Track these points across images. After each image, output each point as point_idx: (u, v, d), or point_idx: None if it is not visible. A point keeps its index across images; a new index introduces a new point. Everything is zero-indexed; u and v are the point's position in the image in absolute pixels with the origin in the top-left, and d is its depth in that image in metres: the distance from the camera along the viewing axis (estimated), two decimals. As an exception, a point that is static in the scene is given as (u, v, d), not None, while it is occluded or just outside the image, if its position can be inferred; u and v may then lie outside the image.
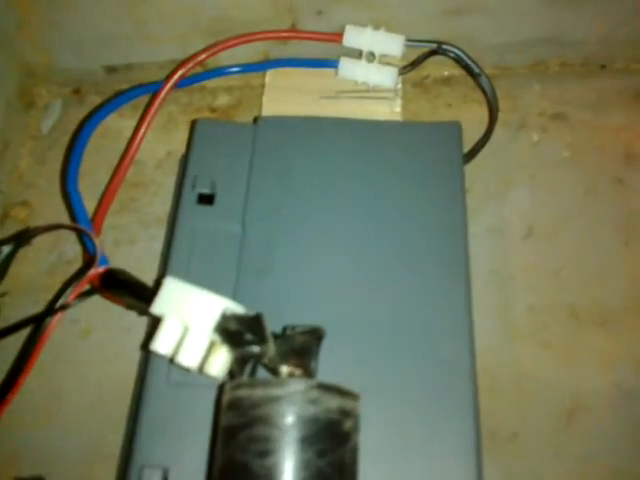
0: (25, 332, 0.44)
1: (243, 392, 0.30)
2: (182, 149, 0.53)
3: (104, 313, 0.48)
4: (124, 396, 0.45)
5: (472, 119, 0.51)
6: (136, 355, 0.46)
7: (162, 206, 0.52)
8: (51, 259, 0.52)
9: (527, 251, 0.49)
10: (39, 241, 0.51)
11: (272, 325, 0.34)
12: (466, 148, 0.48)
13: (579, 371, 0.45)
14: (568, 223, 0.50)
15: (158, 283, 0.36)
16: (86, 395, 0.47)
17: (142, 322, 0.47)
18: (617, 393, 0.44)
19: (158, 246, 0.50)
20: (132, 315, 0.47)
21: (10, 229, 0.52)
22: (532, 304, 0.48)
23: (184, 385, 0.38)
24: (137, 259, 0.50)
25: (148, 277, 0.40)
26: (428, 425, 0.37)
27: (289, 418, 0.29)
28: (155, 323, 0.36)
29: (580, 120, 0.54)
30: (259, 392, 0.30)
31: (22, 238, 0.42)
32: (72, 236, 0.52)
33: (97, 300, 0.43)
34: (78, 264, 0.51)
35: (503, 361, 0.45)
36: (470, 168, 0.48)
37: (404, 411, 0.38)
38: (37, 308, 0.48)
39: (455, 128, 0.46)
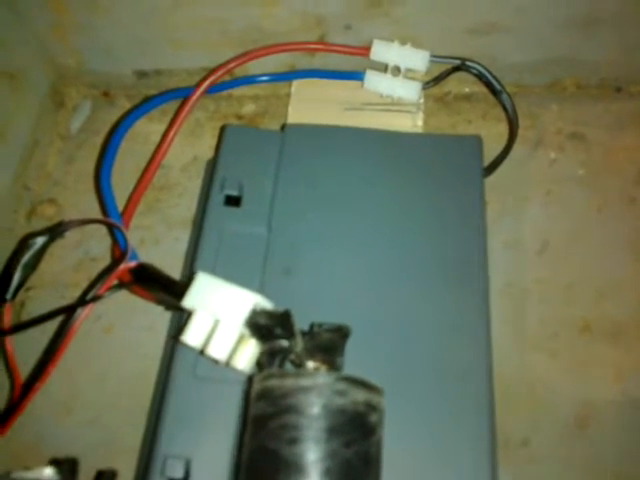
0: (50, 325, 0.45)
1: (274, 382, 0.31)
2: (208, 154, 0.55)
3: (127, 310, 0.50)
4: (144, 392, 0.46)
5: (491, 135, 0.53)
6: (157, 352, 0.47)
7: (187, 208, 0.54)
8: (77, 256, 0.53)
9: (541, 265, 0.51)
10: (66, 238, 0.52)
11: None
12: (484, 164, 0.49)
13: (589, 381, 0.46)
14: (582, 239, 0.51)
15: (189, 279, 0.37)
16: (106, 390, 0.48)
17: (164, 320, 0.48)
18: (626, 403, 0.45)
19: (182, 247, 0.51)
20: (154, 313, 0.48)
21: (37, 226, 0.53)
22: (545, 316, 0.49)
23: (209, 379, 0.39)
24: (161, 259, 0.50)
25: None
26: (445, 429, 0.38)
27: (317, 408, 0.30)
28: (182, 319, 0.37)
29: (595, 140, 0.55)
30: (289, 382, 0.31)
31: (56, 231, 0.43)
32: (98, 234, 0.53)
33: (120, 297, 0.44)
34: (104, 262, 0.52)
35: (516, 370, 0.47)
36: (488, 183, 0.49)
37: (421, 414, 0.39)
38: (61, 303, 0.49)
39: (476, 141, 0.48)
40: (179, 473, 0.37)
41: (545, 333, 0.48)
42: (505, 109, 0.51)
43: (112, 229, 0.46)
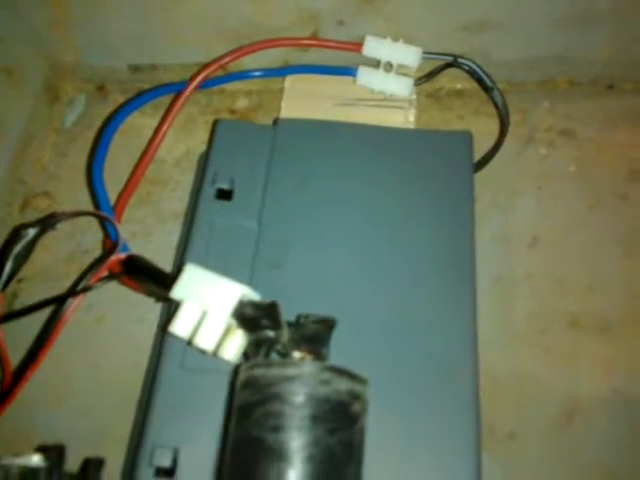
0: (42, 314, 0.45)
1: (259, 371, 0.31)
2: (200, 148, 0.55)
3: (118, 301, 0.50)
4: (134, 382, 0.46)
5: (482, 131, 0.52)
6: (147, 343, 0.47)
7: (179, 202, 0.54)
8: (69, 248, 0.54)
9: (531, 260, 0.51)
10: (57, 230, 0.52)
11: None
12: (475, 159, 0.50)
13: (577, 376, 0.46)
14: (572, 234, 0.52)
15: (179, 270, 0.37)
16: (97, 380, 0.49)
17: (155, 311, 0.48)
18: (614, 398, 0.45)
19: (174, 240, 0.52)
20: (145, 304, 0.49)
21: (31, 218, 0.53)
22: (534, 311, 0.49)
23: (197, 370, 0.39)
24: (153, 252, 0.50)
25: (163, 269, 0.42)
26: (429, 422, 0.38)
27: (302, 397, 0.30)
28: (171, 310, 0.37)
29: (587, 137, 0.56)
30: (274, 371, 0.31)
31: (47, 223, 0.43)
32: (90, 226, 0.54)
33: (112, 288, 0.45)
34: (95, 253, 0.53)
35: (504, 364, 0.47)
36: (479, 178, 0.49)
37: (406, 407, 0.39)
38: (52, 294, 0.49)
39: (466, 137, 0.48)
40: (167, 462, 0.37)
41: (534, 327, 0.48)
42: (496, 105, 0.51)
43: (103, 222, 0.46)
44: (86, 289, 0.40)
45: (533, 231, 0.52)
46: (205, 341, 0.35)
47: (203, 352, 0.36)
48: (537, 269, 0.50)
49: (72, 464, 0.39)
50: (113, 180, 0.50)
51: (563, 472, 0.44)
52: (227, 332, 0.35)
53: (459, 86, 0.59)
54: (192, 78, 0.50)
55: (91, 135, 0.59)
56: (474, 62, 0.51)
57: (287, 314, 0.36)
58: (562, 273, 0.50)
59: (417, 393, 0.39)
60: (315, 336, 0.36)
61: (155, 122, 0.53)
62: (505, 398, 0.46)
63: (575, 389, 0.46)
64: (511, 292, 0.49)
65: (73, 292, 0.40)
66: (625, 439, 0.45)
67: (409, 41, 0.52)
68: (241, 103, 0.59)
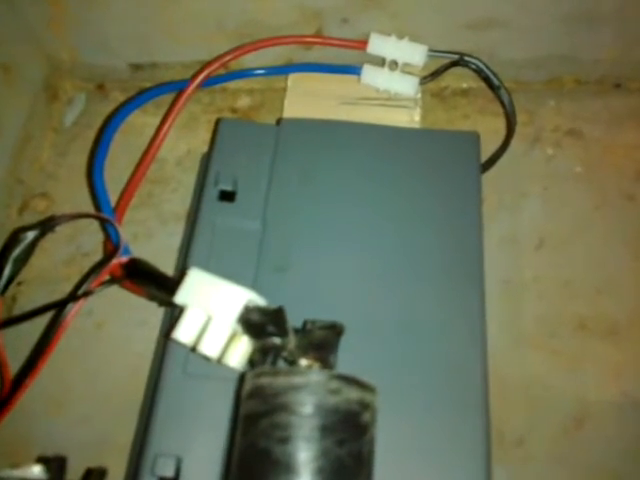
0: (41, 319, 0.44)
1: (265, 380, 0.31)
2: (202, 148, 0.54)
3: (118, 306, 0.49)
4: (135, 389, 0.45)
5: (488, 131, 0.51)
6: (149, 349, 0.46)
7: (181, 203, 0.53)
8: (68, 250, 0.53)
9: (538, 262, 0.50)
10: (57, 232, 0.52)
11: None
12: (481, 160, 0.49)
13: (586, 380, 0.46)
14: (579, 236, 0.51)
15: (182, 274, 0.36)
16: (97, 387, 0.48)
17: (156, 316, 0.47)
18: (624, 402, 0.45)
19: (175, 242, 0.51)
20: (146, 309, 0.48)
21: (29, 219, 0.53)
22: (542, 313, 0.48)
23: (200, 376, 0.39)
24: (154, 254, 0.49)
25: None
26: (439, 427, 0.38)
27: (310, 407, 0.29)
28: (174, 314, 0.37)
29: (593, 137, 0.55)
30: (281, 380, 0.30)
31: (47, 225, 0.42)
32: (90, 228, 0.53)
33: (112, 293, 0.43)
34: (96, 256, 0.52)
35: (512, 368, 0.46)
36: (485, 178, 0.48)
37: (415, 412, 0.38)
38: (52, 298, 0.47)
39: (474, 137, 0.47)
40: (170, 472, 0.36)
41: (542, 331, 0.48)
42: (503, 104, 0.50)
43: (104, 224, 0.45)
44: (87, 293, 0.39)
45: (540, 233, 0.51)
46: (210, 348, 0.34)
47: (207, 359, 0.35)
48: (544, 271, 0.50)
49: (72, 473, 0.38)
50: (113, 180, 0.49)
51: (571, 477, 0.44)
52: (232, 338, 0.34)
53: (465, 85, 0.58)
54: (194, 76, 0.49)
55: (91, 135, 0.58)
56: (481, 60, 0.50)
57: (293, 317, 0.35)
58: (569, 275, 0.50)
59: (426, 398, 0.39)
60: (323, 343, 0.35)
61: (157, 121, 0.51)
62: (514, 402, 0.45)
63: (584, 393, 0.45)
64: (519, 295, 0.49)
65: (74, 297, 0.39)
66: (634, 443, 0.44)
67: (414, 39, 0.51)
68: (243, 102, 0.59)
